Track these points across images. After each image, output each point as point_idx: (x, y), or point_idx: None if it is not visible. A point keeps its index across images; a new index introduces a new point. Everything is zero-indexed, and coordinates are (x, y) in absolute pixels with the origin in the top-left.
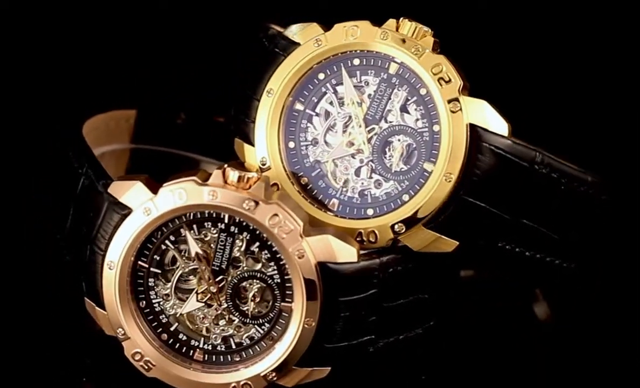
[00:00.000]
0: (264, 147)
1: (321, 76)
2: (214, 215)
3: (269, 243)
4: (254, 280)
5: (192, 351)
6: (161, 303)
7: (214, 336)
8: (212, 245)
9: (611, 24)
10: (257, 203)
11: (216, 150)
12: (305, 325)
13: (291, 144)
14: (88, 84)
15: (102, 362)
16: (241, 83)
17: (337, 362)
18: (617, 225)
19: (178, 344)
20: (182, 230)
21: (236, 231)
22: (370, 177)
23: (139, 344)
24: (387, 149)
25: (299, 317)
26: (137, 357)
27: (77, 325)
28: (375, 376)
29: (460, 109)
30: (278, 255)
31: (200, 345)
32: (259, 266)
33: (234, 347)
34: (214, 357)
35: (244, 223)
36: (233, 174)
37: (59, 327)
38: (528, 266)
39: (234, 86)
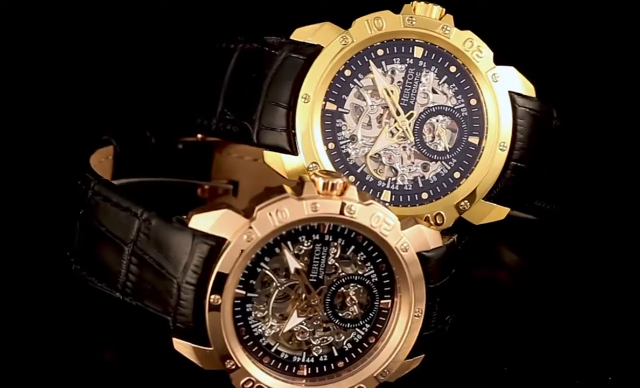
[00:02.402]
0: (311, 152)
1: (347, 73)
2: (308, 227)
3: (364, 244)
4: (351, 284)
5: (295, 368)
6: (260, 326)
7: (314, 348)
8: (306, 258)
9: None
10: (356, 207)
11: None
12: (415, 317)
13: (331, 145)
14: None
15: None
16: (249, 95)
17: (429, 348)
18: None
19: (280, 364)
20: (276, 249)
21: (330, 239)
22: (417, 162)
23: (249, 372)
24: (427, 132)
25: (407, 310)
26: (249, 385)
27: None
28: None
29: (499, 78)
30: (374, 255)
31: (303, 360)
32: (354, 269)
33: (336, 354)
34: (317, 368)
35: (338, 230)
36: (324, 183)
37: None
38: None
39: (232, 100)
